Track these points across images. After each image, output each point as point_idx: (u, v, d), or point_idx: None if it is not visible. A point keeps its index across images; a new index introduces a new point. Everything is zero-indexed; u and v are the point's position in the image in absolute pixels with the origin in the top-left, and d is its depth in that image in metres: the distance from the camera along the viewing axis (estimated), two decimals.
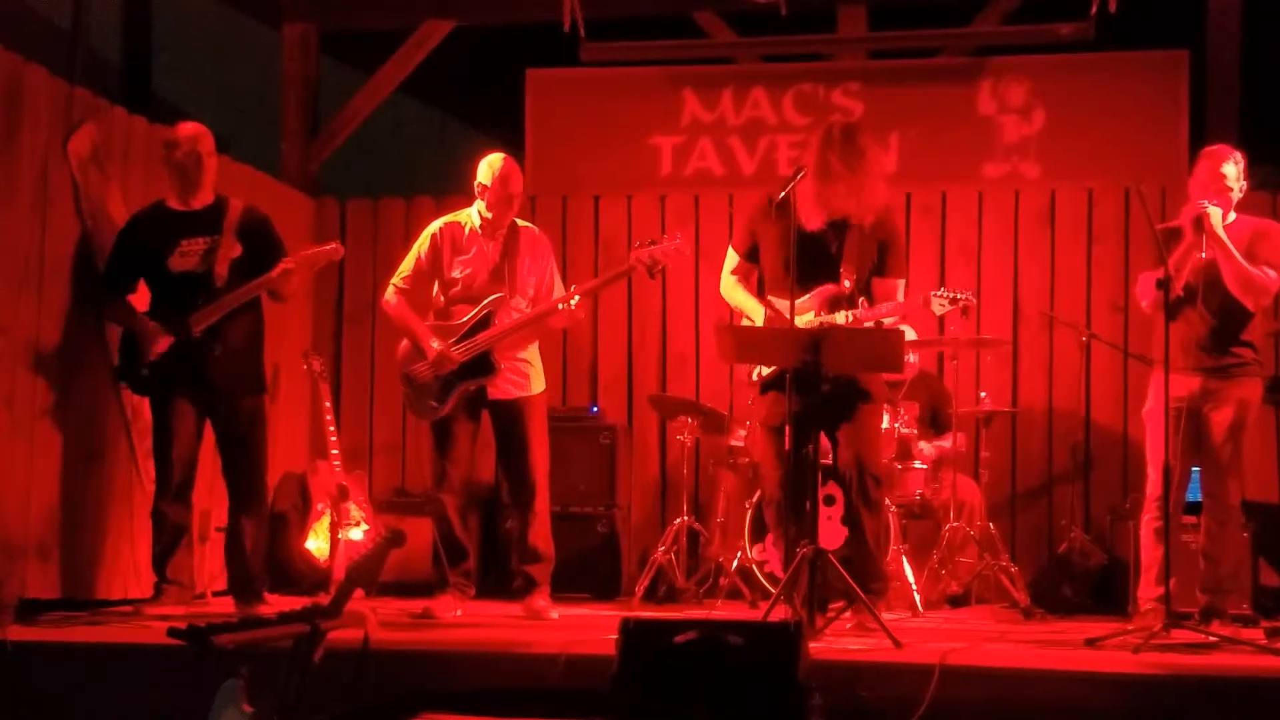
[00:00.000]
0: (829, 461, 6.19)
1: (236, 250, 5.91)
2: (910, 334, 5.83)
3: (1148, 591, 5.60)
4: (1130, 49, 7.85)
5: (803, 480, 5.40)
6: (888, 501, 6.43)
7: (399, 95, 8.80)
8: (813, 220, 5.55)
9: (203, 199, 6.00)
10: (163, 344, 5.82)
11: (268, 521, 6.28)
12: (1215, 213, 5.43)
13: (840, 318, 5.49)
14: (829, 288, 5.56)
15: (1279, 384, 6.73)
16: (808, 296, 5.54)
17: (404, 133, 10.22)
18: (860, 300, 5.56)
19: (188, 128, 6.03)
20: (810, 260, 5.51)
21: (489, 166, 6.09)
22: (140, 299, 6.00)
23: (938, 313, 5.59)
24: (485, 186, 6.07)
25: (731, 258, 5.82)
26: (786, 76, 8.23)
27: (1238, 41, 7.68)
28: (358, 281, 8.30)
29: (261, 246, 5.93)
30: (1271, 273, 5.52)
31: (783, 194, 5.35)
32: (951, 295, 5.58)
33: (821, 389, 5.43)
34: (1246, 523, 6.39)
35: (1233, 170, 5.59)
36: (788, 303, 5.39)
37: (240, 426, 5.99)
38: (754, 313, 5.68)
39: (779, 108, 8.18)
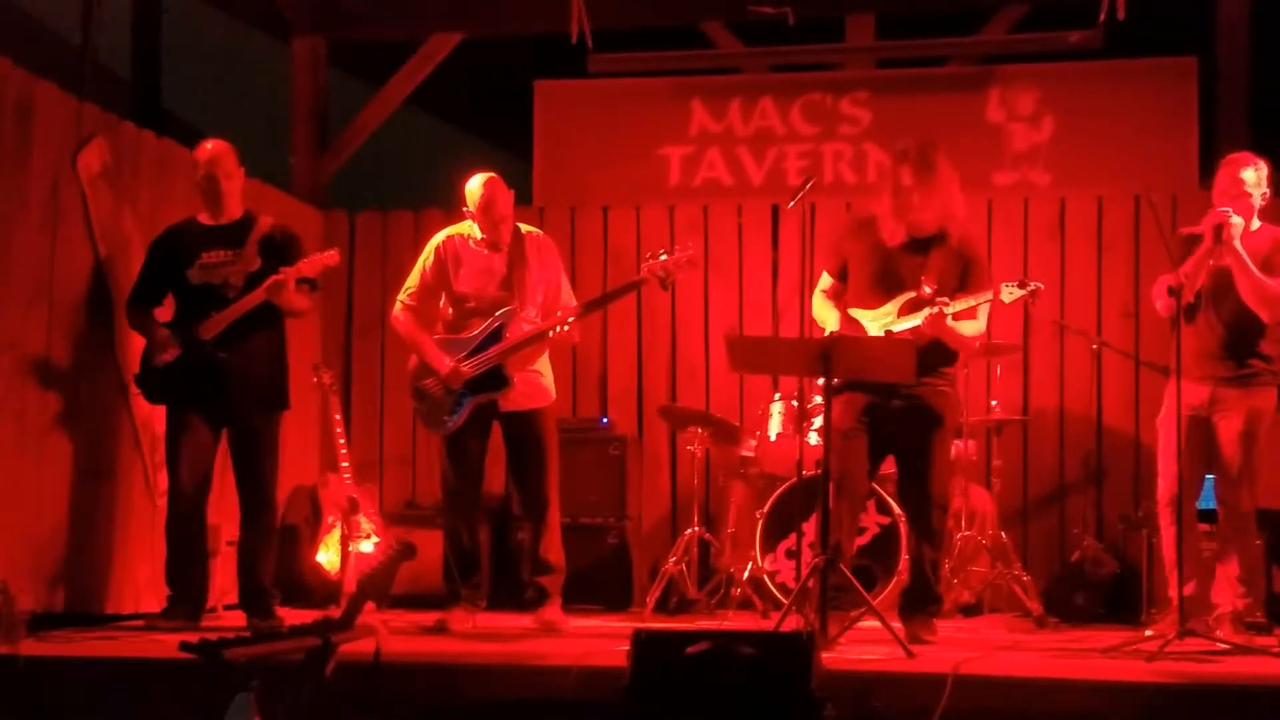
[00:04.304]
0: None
1: (255, 264, 5.94)
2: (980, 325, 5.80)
3: (1176, 593, 5.57)
4: (1139, 56, 7.84)
5: (853, 487, 5.56)
6: (898, 511, 6.42)
7: (408, 108, 8.81)
8: (894, 236, 5.63)
9: (229, 214, 6.05)
10: (169, 354, 5.84)
11: (277, 536, 6.28)
12: (1238, 223, 5.41)
13: (922, 315, 5.49)
14: (909, 295, 5.59)
15: None
16: (889, 304, 5.60)
17: (413, 145, 10.23)
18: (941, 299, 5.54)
19: (205, 149, 6.07)
20: (894, 275, 5.61)
21: (470, 194, 6.09)
22: (167, 311, 6.05)
23: (1007, 301, 5.57)
24: (470, 213, 6.10)
25: (824, 279, 5.87)
26: (794, 86, 8.22)
27: (1247, 47, 7.67)
28: (367, 294, 8.30)
29: (280, 262, 5.93)
30: None
31: (792, 202, 5.43)
32: (1021, 281, 5.57)
33: (892, 403, 5.47)
34: (1260, 531, 6.38)
35: (1252, 176, 5.57)
36: (868, 313, 5.57)
37: (255, 442, 6.01)
38: (830, 323, 5.72)
39: (787, 117, 8.18)
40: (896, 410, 5.58)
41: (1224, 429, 5.56)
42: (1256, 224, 5.61)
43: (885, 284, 5.63)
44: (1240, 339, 5.56)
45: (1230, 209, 5.44)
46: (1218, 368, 5.55)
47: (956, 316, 5.51)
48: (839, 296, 5.81)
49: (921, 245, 5.64)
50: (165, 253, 6.03)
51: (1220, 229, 5.41)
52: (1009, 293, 5.53)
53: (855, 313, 5.67)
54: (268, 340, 6.01)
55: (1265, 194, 5.62)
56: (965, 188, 7.85)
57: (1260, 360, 5.60)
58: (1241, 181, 5.55)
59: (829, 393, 5.40)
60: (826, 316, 5.77)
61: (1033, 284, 5.54)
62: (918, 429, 5.60)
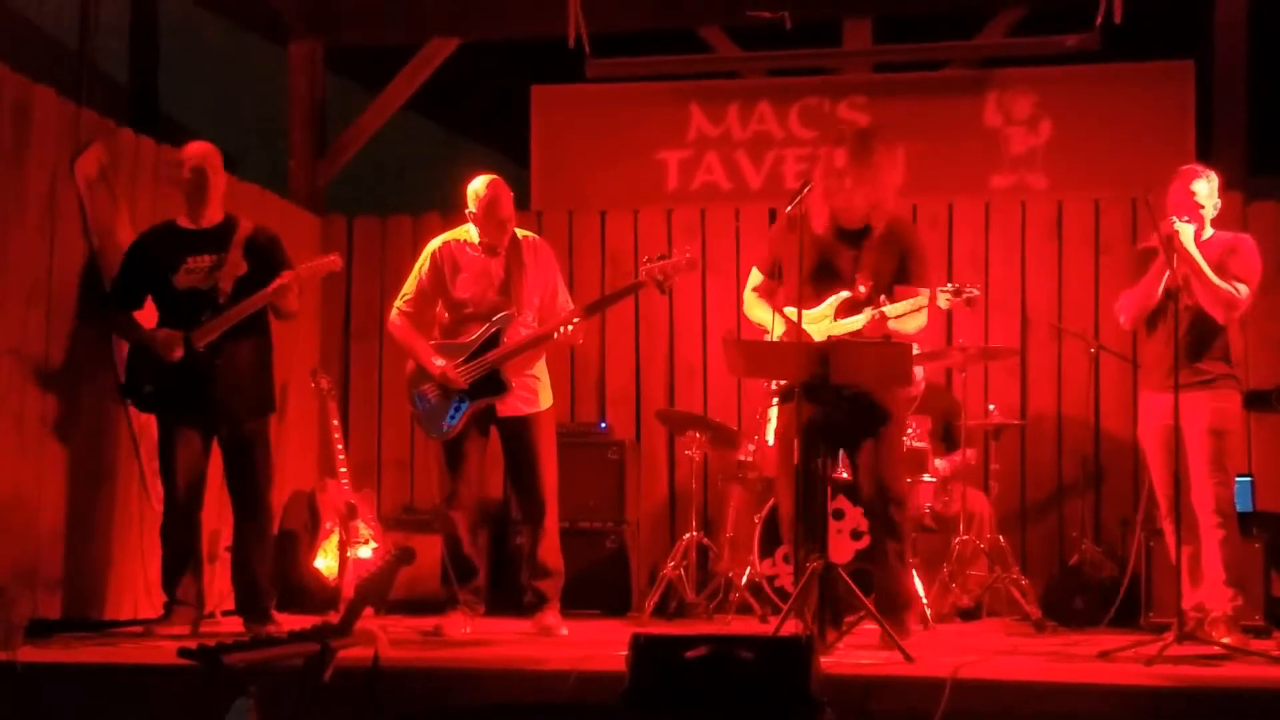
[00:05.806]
0: (844, 477, 6.20)
1: (242, 268, 5.91)
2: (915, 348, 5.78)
3: (1187, 600, 5.56)
4: (1136, 59, 7.85)
5: (813, 493, 5.41)
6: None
7: (406, 112, 8.81)
8: (820, 221, 5.55)
9: (211, 217, 6.02)
10: (178, 351, 5.80)
11: (273, 540, 6.27)
12: (1184, 230, 5.45)
13: (863, 318, 5.45)
14: (844, 295, 5.55)
15: (1262, 395, 6.76)
16: (823, 305, 5.55)
17: (411, 150, 10.23)
18: (880, 299, 5.49)
19: (192, 148, 6.05)
20: (828, 269, 5.55)
21: (474, 194, 6.08)
22: (146, 317, 6.01)
23: (943, 306, 5.54)
24: (474, 214, 6.09)
25: (754, 275, 5.85)
26: (792, 90, 8.23)
27: (1244, 50, 7.68)
28: (365, 299, 8.31)
29: (268, 265, 5.92)
30: (1241, 287, 5.55)
31: (790, 206, 5.42)
32: (955, 288, 5.55)
33: (839, 405, 5.44)
34: (1259, 534, 6.38)
35: (1203, 187, 5.64)
36: (804, 312, 5.46)
37: (246, 447, 5.98)
38: (772, 325, 5.65)
39: (785, 122, 8.18)
40: (844, 410, 5.48)
41: (1190, 432, 5.59)
42: (1210, 232, 5.67)
43: (819, 279, 5.55)
44: (1198, 345, 5.61)
45: (1176, 218, 5.48)
46: (1180, 374, 5.57)
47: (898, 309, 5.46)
48: (772, 294, 5.75)
49: (852, 238, 5.58)
50: (147, 256, 5.97)
51: (1170, 238, 5.45)
52: (944, 299, 5.53)
53: (790, 312, 5.55)
54: (256, 345, 5.99)
55: (1218, 204, 5.69)
56: (963, 191, 7.98)
57: (1220, 364, 5.63)
58: (1193, 193, 5.63)
59: (803, 397, 5.33)
60: (761, 316, 5.72)
61: (968, 291, 5.52)
62: (866, 427, 5.56)
